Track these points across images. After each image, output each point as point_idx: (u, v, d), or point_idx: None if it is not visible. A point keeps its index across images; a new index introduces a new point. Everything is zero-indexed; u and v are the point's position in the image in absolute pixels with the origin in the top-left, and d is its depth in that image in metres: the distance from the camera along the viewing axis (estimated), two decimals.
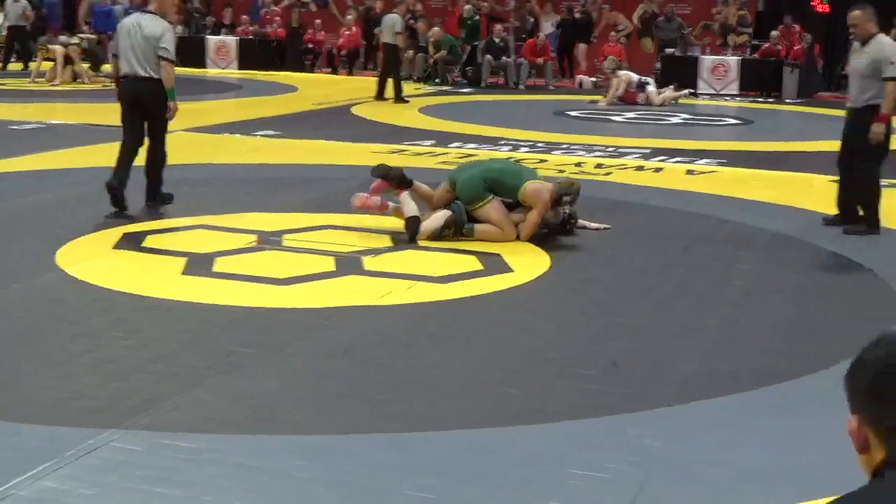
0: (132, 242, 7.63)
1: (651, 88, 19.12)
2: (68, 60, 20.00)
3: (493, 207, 7.89)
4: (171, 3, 8.97)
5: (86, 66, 20.41)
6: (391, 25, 18.21)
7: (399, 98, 18.02)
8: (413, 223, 7.83)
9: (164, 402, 4.64)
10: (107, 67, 21.55)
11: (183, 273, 6.86)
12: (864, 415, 1.72)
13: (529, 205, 7.88)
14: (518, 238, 7.88)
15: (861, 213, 8.61)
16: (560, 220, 8.13)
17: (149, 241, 7.67)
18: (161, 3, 8.80)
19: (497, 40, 22.20)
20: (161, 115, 8.70)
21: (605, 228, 8.38)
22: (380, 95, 18.14)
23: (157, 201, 8.89)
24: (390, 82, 18.09)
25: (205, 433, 4.33)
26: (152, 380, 4.93)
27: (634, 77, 19.24)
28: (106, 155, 11.40)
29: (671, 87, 19.66)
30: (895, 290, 6.79)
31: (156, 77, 8.61)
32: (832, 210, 8.76)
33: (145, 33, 8.57)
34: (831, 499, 1.63)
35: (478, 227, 7.84)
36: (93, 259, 7.18)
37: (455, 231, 7.79)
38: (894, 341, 1.73)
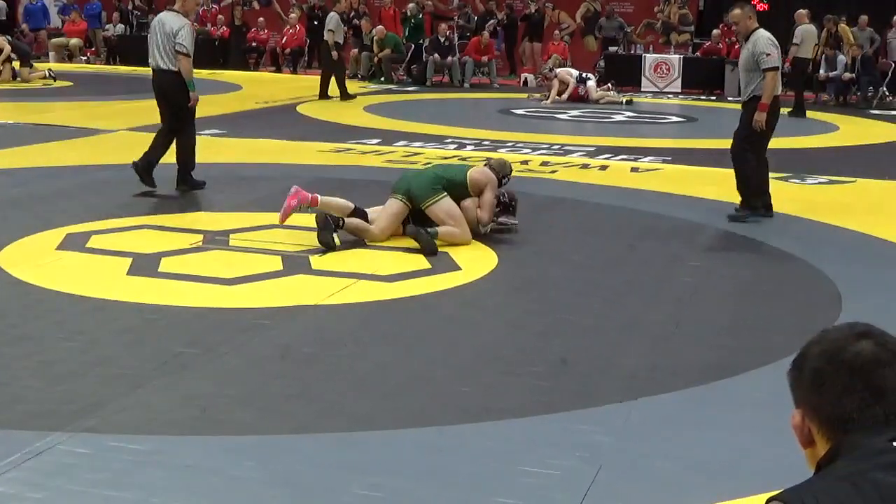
0: (76, 243, 7.54)
1: (591, 83, 19.23)
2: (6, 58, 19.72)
3: (447, 204, 7.88)
4: (194, 2, 9.77)
5: (16, 64, 20.11)
6: (326, 23, 18.28)
7: (345, 95, 17.95)
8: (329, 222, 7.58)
9: (110, 405, 4.59)
10: (40, 66, 21.29)
11: (128, 273, 6.78)
12: (808, 408, 1.75)
13: (478, 187, 8.02)
14: (479, 223, 7.94)
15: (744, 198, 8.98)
16: (502, 204, 8.19)
17: (93, 242, 7.57)
18: (184, 3, 9.50)
19: (442, 39, 22.23)
20: (182, 104, 9.37)
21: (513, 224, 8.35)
22: (323, 94, 18.07)
23: (189, 186, 9.45)
24: (334, 80, 18.04)
25: (151, 435, 4.30)
26: (97, 382, 4.87)
27: (574, 72, 19.37)
28: (49, 155, 11.28)
29: (609, 85, 19.83)
30: (837, 285, 6.89)
31: (174, 70, 9.34)
32: (776, 206, 8.94)
33: (165, 29, 9.35)
34: (776, 492, 1.66)
35: (441, 229, 7.76)
36: (36, 260, 7.09)
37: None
38: (836, 337, 1.76)
